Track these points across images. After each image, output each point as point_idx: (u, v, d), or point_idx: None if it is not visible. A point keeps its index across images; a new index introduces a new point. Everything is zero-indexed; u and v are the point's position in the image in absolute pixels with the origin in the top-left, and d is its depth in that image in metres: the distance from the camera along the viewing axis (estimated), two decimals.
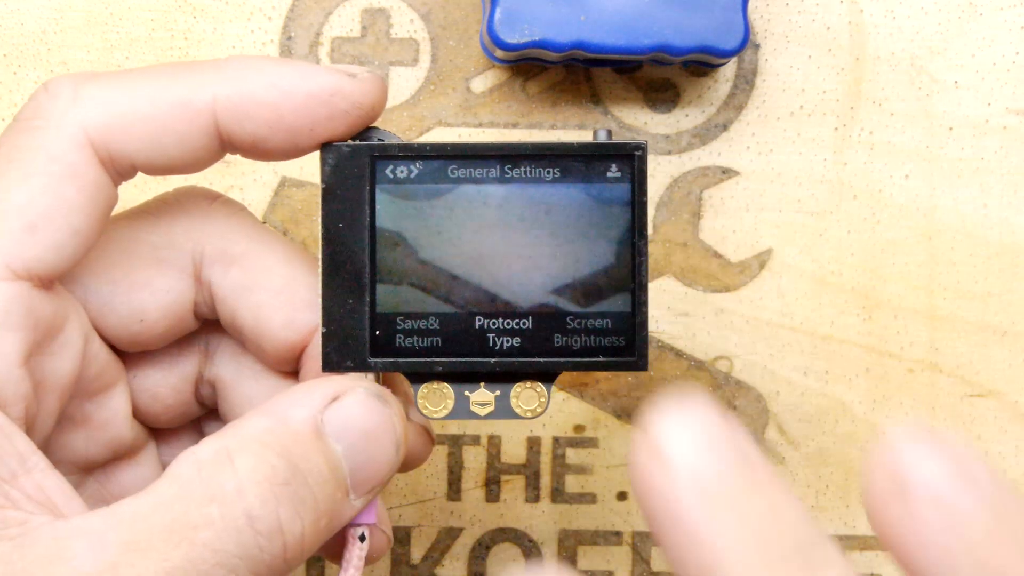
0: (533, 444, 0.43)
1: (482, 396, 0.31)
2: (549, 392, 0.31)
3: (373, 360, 0.30)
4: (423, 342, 0.30)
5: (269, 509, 0.26)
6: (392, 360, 0.30)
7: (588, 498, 0.43)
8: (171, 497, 0.26)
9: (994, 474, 0.22)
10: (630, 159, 0.30)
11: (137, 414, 0.33)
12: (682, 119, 0.43)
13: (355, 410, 0.29)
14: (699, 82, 0.43)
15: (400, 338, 0.30)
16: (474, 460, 0.43)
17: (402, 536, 0.43)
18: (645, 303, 0.30)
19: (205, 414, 0.34)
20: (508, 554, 0.43)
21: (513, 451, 0.43)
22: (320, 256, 0.30)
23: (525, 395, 0.31)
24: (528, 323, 0.30)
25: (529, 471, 0.43)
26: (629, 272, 0.30)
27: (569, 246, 0.30)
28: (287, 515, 0.27)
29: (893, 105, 0.42)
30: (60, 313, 0.29)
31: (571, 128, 0.42)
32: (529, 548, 0.43)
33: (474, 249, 0.30)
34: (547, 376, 0.30)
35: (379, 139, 0.30)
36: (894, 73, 0.42)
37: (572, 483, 0.43)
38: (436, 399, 0.30)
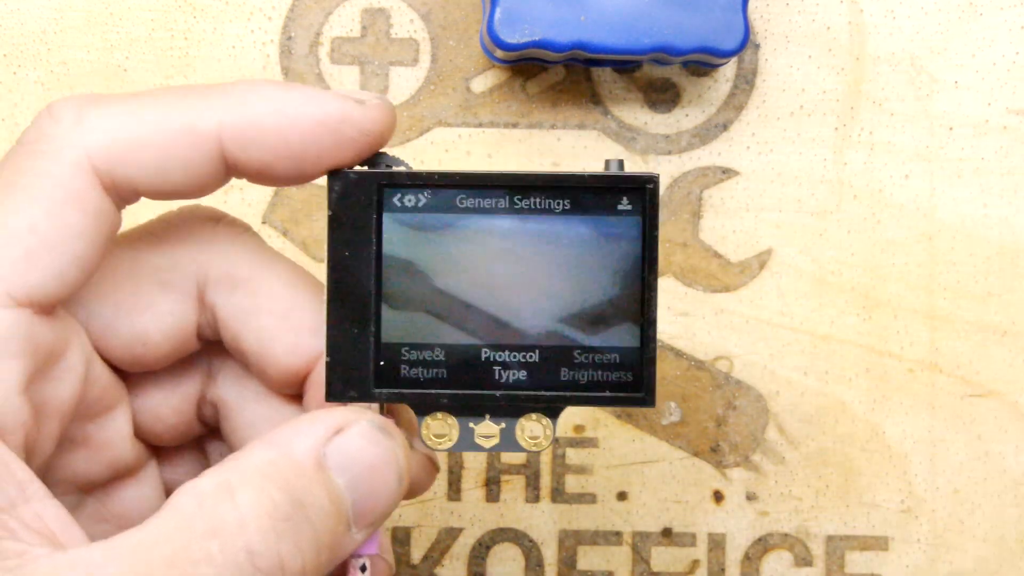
0: None
1: (487, 428, 0.30)
2: (555, 425, 0.30)
3: (377, 391, 0.30)
4: (428, 373, 0.30)
5: (270, 544, 0.26)
6: (397, 391, 0.30)
7: (588, 498, 0.43)
8: (171, 530, 0.26)
9: None
10: (641, 192, 0.29)
11: (138, 433, 0.32)
12: (682, 119, 0.43)
13: (358, 443, 0.28)
14: (699, 82, 0.43)
15: (405, 369, 0.30)
16: (474, 460, 0.43)
17: (402, 536, 0.43)
18: (654, 338, 0.29)
19: (207, 433, 0.34)
20: (508, 554, 0.43)
21: (518, 453, 0.43)
22: (326, 284, 0.30)
23: (530, 427, 0.30)
24: (535, 356, 0.30)
25: (529, 471, 0.43)
26: (638, 306, 0.29)
27: (579, 279, 0.29)
28: (288, 550, 0.26)
29: (893, 105, 0.42)
30: (61, 338, 0.29)
31: (571, 128, 0.42)
32: (529, 548, 0.43)
33: (483, 280, 0.29)
34: (553, 410, 0.30)
35: (387, 164, 0.30)
36: (894, 73, 0.42)
37: (572, 483, 0.43)
38: (440, 430, 0.30)
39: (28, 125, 0.29)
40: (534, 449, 0.30)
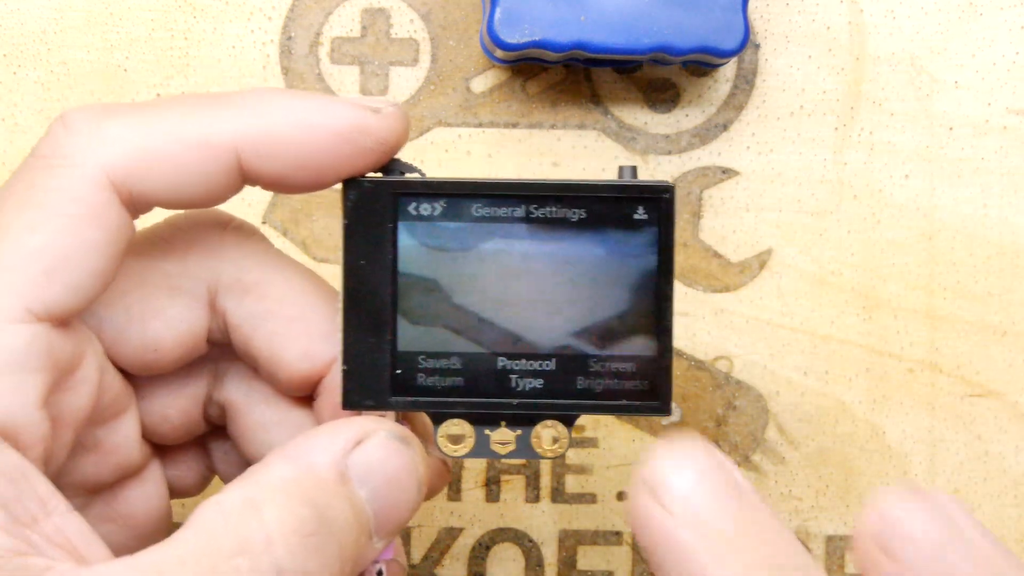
0: None
1: (503, 436, 0.30)
2: (570, 432, 0.30)
3: (394, 399, 0.30)
4: (445, 382, 0.30)
5: (298, 561, 0.26)
6: (413, 399, 0.30)
7: (588, 498, 0.43)
8: (198, 548, 0.26)
9: (975, 523, 0.24)
10: (657, 202, 0.29)
11: (145, 434, 0.32)
12: (682, 119, 0.42)
13: (379, 454, 0.28)
14: (699, 82, 0.43)
15: (422, 377, 0.30)
16: (474, 460, 0.43)
17: (402, 536, 0.43)
18: (670, 347, 0.30)
19: (210, 431, 0.34)
20: (508, 554, 0.43)
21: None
22: (341, 293, 0.30)
23: (546, 435, 0.30)
24: (551, 364, 0.30)
25: (529, 471, 0.43)
26: (654, 315, 0.29)
27: (595, 288, 0.30)
28: (315, 566, 0.26)
29: (893, 105, 0.42)
30: (78, 350, 0.29)
31: (571, 128, 0.42)
32: (529, 548, 0.43)
33: (499, 291, 0.30)
34: (568, 418, 0.30)
35: (400, 171, 0.30)
36: (894, 73, 0.42)
37: (572, 483, 0.43)
38: (456, 437, 0.30)
39: (42, 136, 0.29)
40: (550, 456, 0.30)
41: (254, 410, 0.32)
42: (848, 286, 0.43)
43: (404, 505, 0.29)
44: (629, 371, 0.30)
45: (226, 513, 0.26)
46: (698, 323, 0.43)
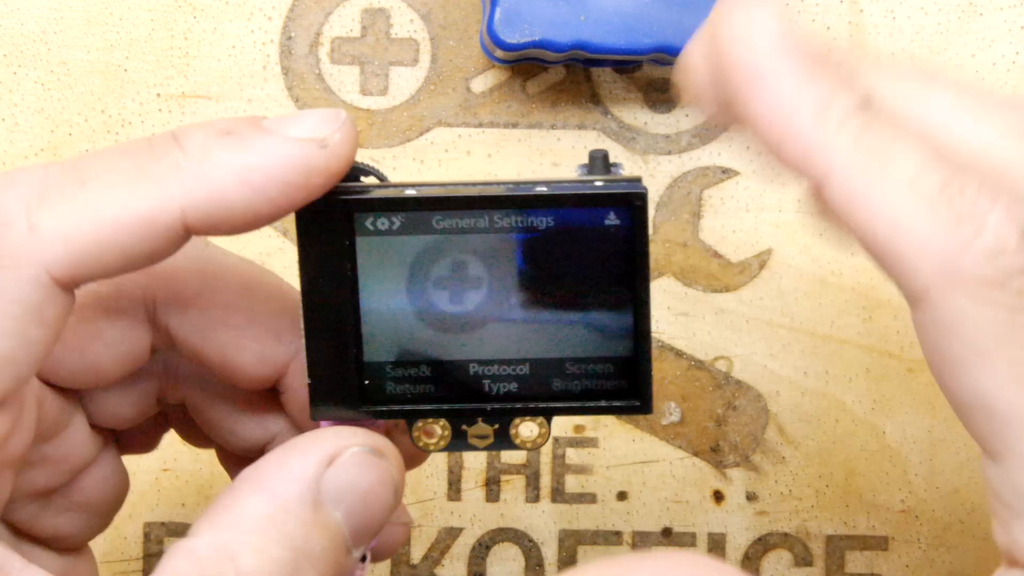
0: None
1: (480, 430, 0.29)
2: (550, 424, 0.29)
3: (364, 409, 0.29)
4: (416, 388, 0.29)
5: None
6: (384, 408, 0.29)
7: (588, 498, 0.43)
8: None
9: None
10: (629, 207, 0.28)
11: (97, 427, 0.32)
12: (682, 119, 0.42)
13: (351, 473, 0.28)
14: None
15: (391, 385, 0.29)
16: (474, 460, 0.43)
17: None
18: (649, 349, 0.29)
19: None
20: (508, 554, 0.43)
21: (513, 451, 0.43)
22: (302, 311, 0.29)
23: (525, 427, 0.29)
24: (525, 369, 0.29)
25: (529, 471, 0.43)
26: (632, 319, 0.28)
27: (568, 292, 0.28)
28: None
29: None
30: (9, 426, 0.28)
31: (571, 128, 0.42)
32: (529, 548, 0.43)
33: (465, 299, 0.29)
34: (547, 416, 0.29)
35: (357, 175, 0.28)
36: None
37: (572, 483, 0.43)
38: (433, 433, 0.29)
39: None
40: (529, 447, 0.30)
41: (213, 407, 0.32)
42: (848, 286, 0.43)
43: (380, 514, 0.28)
44: (607, 372, 0.29)
45: (200, 561, 0.26)
46: (698, 323, 0.43)
